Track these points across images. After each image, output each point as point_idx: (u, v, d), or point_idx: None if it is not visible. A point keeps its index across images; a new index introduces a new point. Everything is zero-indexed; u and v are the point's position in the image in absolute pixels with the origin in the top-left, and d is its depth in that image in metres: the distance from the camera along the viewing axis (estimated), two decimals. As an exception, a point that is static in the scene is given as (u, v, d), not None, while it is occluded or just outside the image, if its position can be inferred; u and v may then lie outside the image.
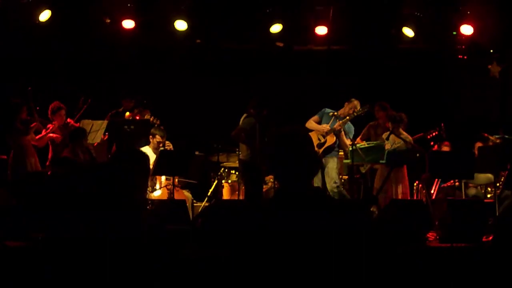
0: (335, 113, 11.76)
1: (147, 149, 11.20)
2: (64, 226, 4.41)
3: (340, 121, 11.56)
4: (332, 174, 11.61)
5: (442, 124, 12.49)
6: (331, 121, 11.75)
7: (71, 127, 12.09)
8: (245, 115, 11.82)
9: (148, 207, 9.17)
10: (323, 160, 11.53)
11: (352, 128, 11.89)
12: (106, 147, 12.65)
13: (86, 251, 4.23)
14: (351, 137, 11.80)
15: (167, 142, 12.03)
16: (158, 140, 11.60)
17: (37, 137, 11.91)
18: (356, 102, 11.83)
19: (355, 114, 11.63)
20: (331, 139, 11.56)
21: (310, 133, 11.08)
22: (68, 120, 12.31)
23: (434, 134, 12.39)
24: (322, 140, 11.58)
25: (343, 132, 11.63)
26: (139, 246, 4.26)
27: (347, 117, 11.65)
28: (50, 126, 12.01)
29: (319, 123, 11.84)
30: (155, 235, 4.42)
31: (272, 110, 11.96)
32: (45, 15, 12.74)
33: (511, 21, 12.76)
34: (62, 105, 12.21)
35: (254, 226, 3.69)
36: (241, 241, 3.71)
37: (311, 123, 11.87)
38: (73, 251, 4.28)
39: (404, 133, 11.83)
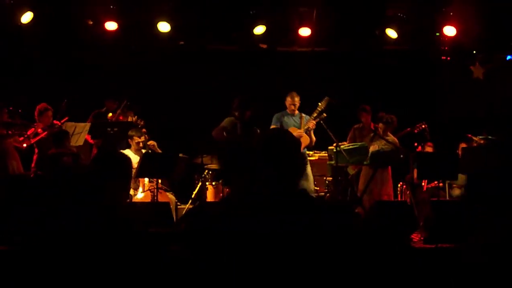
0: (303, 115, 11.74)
1: (128, 152, 11.13)
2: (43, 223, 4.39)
3: (312, 119, 11.51)
4: (310, 177, 11.60)
5: (426, 125, 12.52)
6: (296, 122, 11.71)
7: (57, 129, 12.02)
8: (227, 119, 11.82)
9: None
10: None
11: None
12: (89, 149, 12.60)
13: (63, 255, 4.20)
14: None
15: (152, 142, 12.00)
16: (136, 140, 11.55)
17: (21, 138, 11.83)
18: (294, 93, 11.83)
19: (319, 110, 11.59)
20: (305, 140, 11.50)
21: None
22: (55, 122, 12.23)
23: (422, 127, 12.41)
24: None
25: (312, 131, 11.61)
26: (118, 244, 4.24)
27: (314, 114, 11.62)
28: (31, 129, 11.92)
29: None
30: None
31: (255, 112, 11.94)
32: (27, 17, 12.66)
33: (494, 22, 12.80)
34: (49, 107, 12.14)
35: (239, 228, 3.67)
36: (225, 243, 3.68)
37: None
38: (51, 254, 4.25)
39: (391, 135, 11.86)
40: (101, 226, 4.33)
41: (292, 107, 11.69)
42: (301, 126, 11.51)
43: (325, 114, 11.48)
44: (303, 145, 11.38)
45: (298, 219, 3.64)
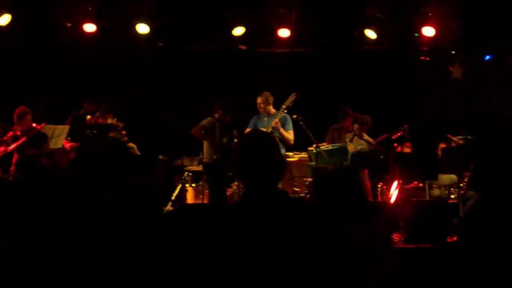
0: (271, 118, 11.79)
1: (108, 154, 11.10)
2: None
3: (276, 119, 11.56)
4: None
5: (406, 126, 12.54)
6: (266, 123, 11.77)
7: (35, 132, 11.94)
8: (207, 118, 11.84)
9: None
10: None
11: (288, 118, 11.84)
12: (67, 152, 12.51)
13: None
14: (291, 127, 11.79)
15: (131, 144, 11.97)
16: (117, 143, 11.49)
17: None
18: (267, 93, 11.91)
19: (284, 106, 11.63)
20: None
21: None
22: (34, 125, 12.15)
23: (399, 134, 12.41)
24: None
25: (281, 129, 11.61)
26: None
27: (279, 113, 11.66)
28: (10, 133, 11.84)
29: None
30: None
31: (236, 115, 11.98)
32: (5, 19, 12.59)
33: (473, 22, 12.85)
34: (28, 110, 12.08)
35: (219, 230, 3.66)
36: (205, 245, 3.68)
37: None
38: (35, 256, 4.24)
39: (366, 135, 11.89)
40: (82, 228, 4.32)
41: (259, 107, 11.80)
42: (268, 126, 11.58)
43: (295, 116, 11.55)
44: None
45: (275, 220, 3.64)
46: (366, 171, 11.72)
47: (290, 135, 11.67)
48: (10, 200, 8.17)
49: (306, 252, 3.58)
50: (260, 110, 11.86)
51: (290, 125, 11.78)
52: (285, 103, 11.62)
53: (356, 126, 11.88)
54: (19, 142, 11.76)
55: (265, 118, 11.80)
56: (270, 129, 11.45)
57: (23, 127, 11.93)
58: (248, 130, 11.78)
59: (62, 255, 4.25)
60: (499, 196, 4.15)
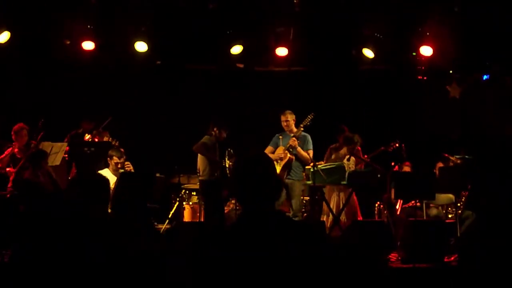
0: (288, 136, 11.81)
1: (106, 172, 11.09)
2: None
3: (293, 137, 11.59)
4: (298, 199, 11.66)
5: (403, 145, 12.54)
6: (282, 142, 11.80)
7: (33, 148, 11.93)
8: (206, 136, 11.84)
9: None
10: (290, 182, 11.56)
11: (308, 137, 11.88)
12: (65, 169, 12.51)
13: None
14: (311, 147, 11.82)
15: (126, 162, 11.95)
16: (115, 161, 11.39)
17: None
18: (288, 112, 11.91)
19: (302, 125, 11.67)
20: (285, 156, 11.56)
21: None
22: (31, 141, 12.15)
23: (395, 146, 12.37)
24: (279, 165, 11.57)
25: (298, 148, 11.62)
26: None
27: (297, 131, 11.69)
28: (8, 150, 11.83)
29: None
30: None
31: (232, 132, 11.99)
32: (4, 37, 12.61)
33: (470, 42, 12.87)
34: (25, 126, 12.10)
35: (217, 250, 3.67)
36: (203, 265, 3.68)
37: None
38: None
39: (360, 154, 11.93)
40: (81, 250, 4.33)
41: (284, 124, 11.81)
42: (287, 144, 11.63)
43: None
44: (282, 163, 11.44)
45: (273, 240, 3.65)
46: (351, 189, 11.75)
47: (309, 154, 11.68)
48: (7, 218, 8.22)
49: (302, 273, 3.58)
50: (286, 128, 11.86)
51: (310, 145, 11.83)
52: (303, 122, 11.67)
53: (347, 147, 11.92)
54: (19, 165, 11.75)
55: (287, 136, 11.82)
56: (287, 147, 11.49)
57: (20, 143, 11.94)
58: (269, 148, 11.86)
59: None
60: (495, 214, 4.17)
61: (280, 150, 11.64)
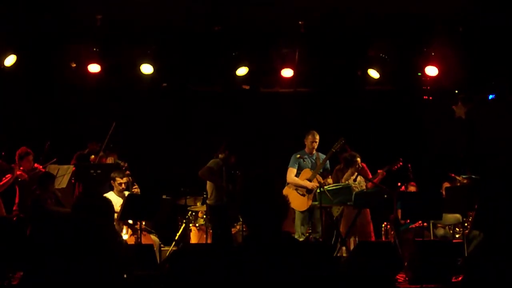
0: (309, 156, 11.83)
1: (111, 195, 11.01)
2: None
3: (321, 166, 11.67)
4: (319, 222, 11.71)
5: (409, 165, 12.52)
6: (316, 162, 11.82)
7: (38, 172, 11.89)
8: (212, 160, 11.79)
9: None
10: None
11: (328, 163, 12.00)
12: (71, 191, 12.49)
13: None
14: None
15: (134, 185, 11.93)
16: (118, 181, 11.29)
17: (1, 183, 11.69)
18: (315, 132, 11.95)
19: (333, 150, 11.72)
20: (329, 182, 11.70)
21: (286, 189, 11.25)
22: (36, 165, 12.12)
23: (399, 165, 12.33)
24: (303, 197, 11.64)
25: (330, 179, 11.77)
26: None
27: (326, 157, 11.74)
28: (9, 176, 11.74)
29: (298, 174, 11.83)
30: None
31: (240, 156, 11.96)
32: (10, 60, 12.65)
33: (475, 62, 12.88)
34: (30, 150, 12.05)
35: (224, 272, 3.66)
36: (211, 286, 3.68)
37: (294, 180, 11.80)
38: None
39: (367, 172, 11.92)
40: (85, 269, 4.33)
41: (314, 144, 11.91)
42: (317, 167, 11.63)
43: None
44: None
45: (280, 262, 3.64)
46: (368, 210, 11.73)
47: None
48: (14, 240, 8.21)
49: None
50: (311, 147, 11.90)
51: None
52: (333, 146, 11.70)
53: (351, 169, 11.89)
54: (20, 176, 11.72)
55: (310, 157, 11.86)
56: (319, 183, 11.53)
57: (25, 167, 11.88)
58: (292, 170, 11.87)
59: None
60: (503, 234, 4.15)
61: (308, 174, 11.65)
